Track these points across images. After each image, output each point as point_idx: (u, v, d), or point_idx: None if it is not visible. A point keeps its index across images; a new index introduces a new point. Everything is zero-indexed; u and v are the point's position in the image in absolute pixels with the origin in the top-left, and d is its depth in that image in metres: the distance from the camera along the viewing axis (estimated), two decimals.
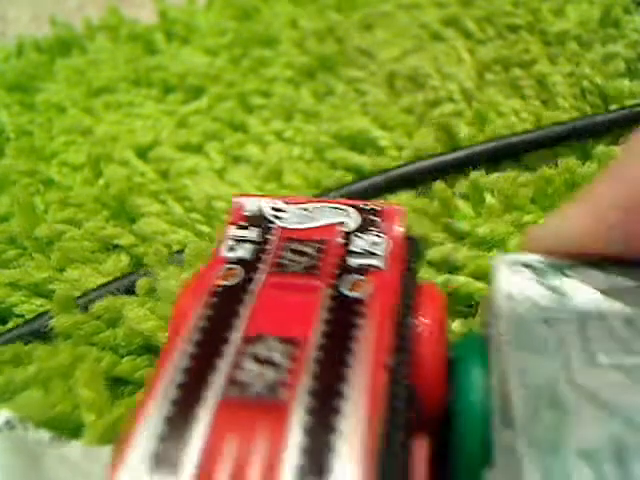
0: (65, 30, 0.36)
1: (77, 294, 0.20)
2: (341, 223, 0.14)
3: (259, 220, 0.15)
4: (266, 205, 0.15)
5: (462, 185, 0.23)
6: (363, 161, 0.24)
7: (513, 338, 0.12)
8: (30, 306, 0.20)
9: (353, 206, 0.15)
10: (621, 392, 0.10)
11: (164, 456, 0.10)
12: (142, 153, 0.26)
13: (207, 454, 0.10)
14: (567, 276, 0.13)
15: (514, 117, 0.25)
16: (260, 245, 0.14)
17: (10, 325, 0.20)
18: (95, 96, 0.31)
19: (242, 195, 0.15)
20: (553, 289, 0.12)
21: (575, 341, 0.11)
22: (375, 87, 0.28)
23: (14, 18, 0.43)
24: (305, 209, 0.15)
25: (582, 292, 0.12)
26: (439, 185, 0.22)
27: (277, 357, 0.11)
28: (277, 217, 0.15)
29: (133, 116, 0.29)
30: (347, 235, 0.14)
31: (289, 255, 0.14)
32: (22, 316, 0.20)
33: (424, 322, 0.13)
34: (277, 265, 0.13)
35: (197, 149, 0.26)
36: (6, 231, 0.23)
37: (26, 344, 0.18)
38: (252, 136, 0.27)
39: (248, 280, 0.13)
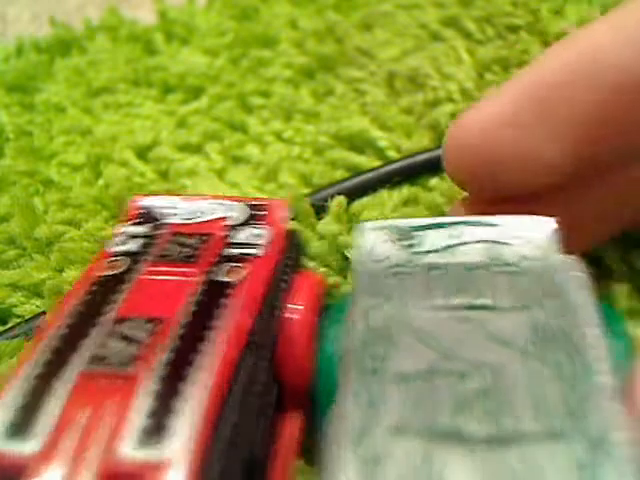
0: (65, 30, 0.36)
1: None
2: (227, 218, 0.16)
3: (151, 217, 0.16)
4: (159, 204, 0.16)
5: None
6: (362, 161, 0.24)
7: (363, 289, 0.13)
8: (30, 307, 0.20)
9: (240, 202, 0.16)
10: (443, 327, 0.12)
11: (18, 425, 0.11)
12: (142, 153, 0.26)
13: (59, 424, 0.11)
14: (419, 236, 0.14)
15: None
16: (148, 239, 0.15)
17: (10, 326, 0.20)
18: (95, 96, 0.31)
19: (137, 196, 0.17)
20: (405, 247, 0.14)
21: (417, 288, 0.13)
22: (375, 87, 0.28)
23: (14, 18, 0.43)
24: (195, 206, 0.16)
25: (430, 247, 0.14)
26: (436, 181, 0.22)
27: (140, 335, 0.12)
28: (169, 214, 0.16)
29: (133, 116, 0.29)
30: (231, 228, 0.15)
31: (173, 247, 0.15)
32: (22, 317, 0.20)
33: (296, 306, 0.14)
34: (159, 256, 0.15)
35: (197, 149, 0.26)
36: (6, 232, 0.23)
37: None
38: (252, 136, 0.27)
39: (130, 270, 0.14)
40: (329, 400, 0.12)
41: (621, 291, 0.17)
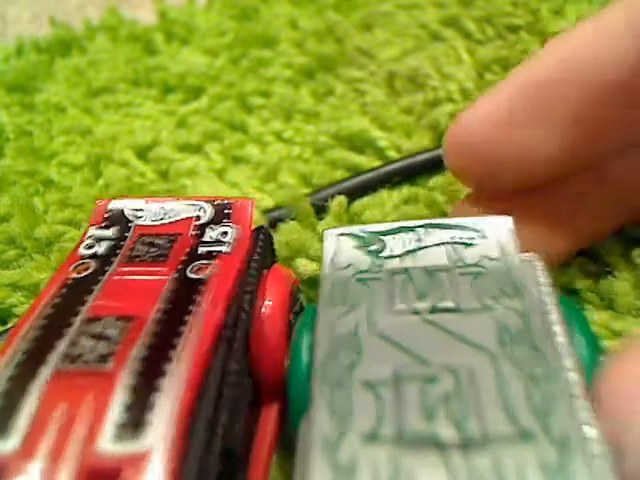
0: (65, 30, 0.36)
1: None
2: (195, 217, 0.16)
3: (118, 220, 0.16)
4: (126, 206, 0.17)
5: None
6: (362, 161, 0.24)
7: (329, 297, 0.13)
8: None
9: (208, 202, 0.16)
10: (408, 331, 0.12)
11: None
12: (142, 153, 0.26)
13: (37, 422, 0.11)
14: (383, 241, 0.15)
15: None
16: (117, 242, 0.16)
17: (10, 326, 0.20)
18: (95, 96, 0.31)
19: (104, 200, 0.17)
20: (370, 253, 0.14)
21: (381, 294, 0.13)
22: (375, 87, 0.28)
23: (14, 18, 0.43)
24: (163, 207, 0.16)
25: (394, 252, 0.14)
26: (436, 180, 0.22)
27: (112, 332, 0.12)
28: (136, 216, 0.16)
29: (133, 116, 0.29)
30: (200, 227, 0.16)
31: (141, 247, 0.15)
32: None
33: (267, 301, 0.15)
34: (129, 257, 0.15)
35: (197, 149, 0.26)
36: (6, 232, 0.23)
37: None
38: (252, 136, 0.27)
39: (100, 272, 0.14)
40: (302, 409, 0.12)
41: (621, 288, 0.17)
